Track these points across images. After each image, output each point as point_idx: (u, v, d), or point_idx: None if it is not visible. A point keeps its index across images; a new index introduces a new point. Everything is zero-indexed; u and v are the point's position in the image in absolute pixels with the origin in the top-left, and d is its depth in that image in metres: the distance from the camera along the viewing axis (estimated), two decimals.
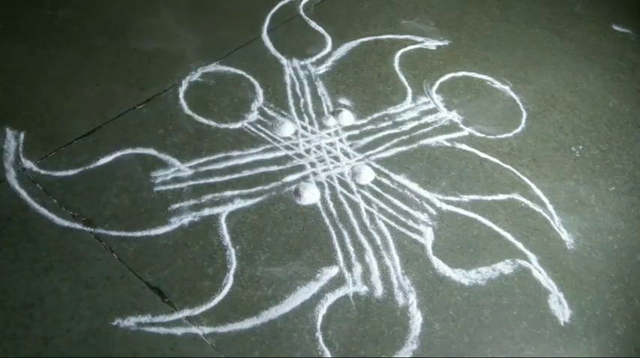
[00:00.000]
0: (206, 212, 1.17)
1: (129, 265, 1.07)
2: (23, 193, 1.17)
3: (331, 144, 1.36)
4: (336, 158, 1.33)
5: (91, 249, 1.09)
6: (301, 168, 1.30)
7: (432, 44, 1.65)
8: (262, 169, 1.27)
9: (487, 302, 1.09)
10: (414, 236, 1.18)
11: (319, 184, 1.26)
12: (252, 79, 1.47)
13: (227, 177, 1.25)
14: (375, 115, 1.43)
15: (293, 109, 1.43)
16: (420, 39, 1.66)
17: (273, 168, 1.28)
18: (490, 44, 1.67)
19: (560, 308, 1.10)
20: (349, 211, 1.21)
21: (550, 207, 1.26)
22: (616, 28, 1.79)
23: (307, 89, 1.48)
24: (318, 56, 1.56)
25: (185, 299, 1.04)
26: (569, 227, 1.23)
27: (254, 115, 1.39)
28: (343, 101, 1.45)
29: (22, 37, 1.53)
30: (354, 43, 1.62)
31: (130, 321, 1.00)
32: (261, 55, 1.55)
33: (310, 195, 1.22)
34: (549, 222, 1.24)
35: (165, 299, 1.03)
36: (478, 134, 1.40)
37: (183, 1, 1.70)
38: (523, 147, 1.38)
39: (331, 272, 1.11)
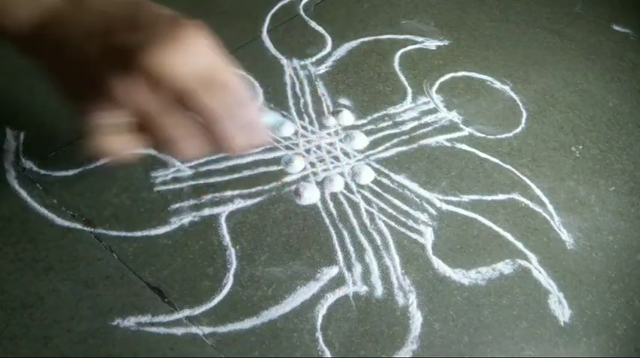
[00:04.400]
0: (206, 212, 1.17)
1: (129, 265, 1.07)
2: (23, 193, 1.16)
3: (331, 144, 1.36)
4: (336, 158, 1.33)
5: (91, 249, 1.09)
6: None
7: (432, 44, 1.65)
8: (262, 169, 1.27)
9: (487, 302, 1.08)
10: (414, 236, 1.18)
11: (319, 184, 1.26)
12: (252, 79, 1.47)
13: (227, 177, 1.24)
14: (375, 115, 1.42)
15: (293, 109, 1.42)
16: (420, 39, 1.65)
17: (273, 168, 1.28)
18: (490, 44, 1.67)
19: (560, 308, 1.09)
20: (349, 211, 1.21)
21: (550, 207, 1.26)
22: (616, 28, 1.78)
23: (307, 89, 1.47)
24: (318, 56, 1.56)
25: (185, 299, 1.03)
26: (569, 227, 1.23)
27: None
28: (343, 101, 1.45)
29: None
30: (354, 43, 1.61)
31: (130, 321, 1.00)
32: (261, 55, 1.54)
33: (310, 195, 1.22)
34: (549, 222, 1.23)
35: (165, 299, 1.03)
36: (478, 134, 1.40)
37: (183, 1, 1.69)
38: (523, 147, 1.38)
39: (331, 272, 1.11)
